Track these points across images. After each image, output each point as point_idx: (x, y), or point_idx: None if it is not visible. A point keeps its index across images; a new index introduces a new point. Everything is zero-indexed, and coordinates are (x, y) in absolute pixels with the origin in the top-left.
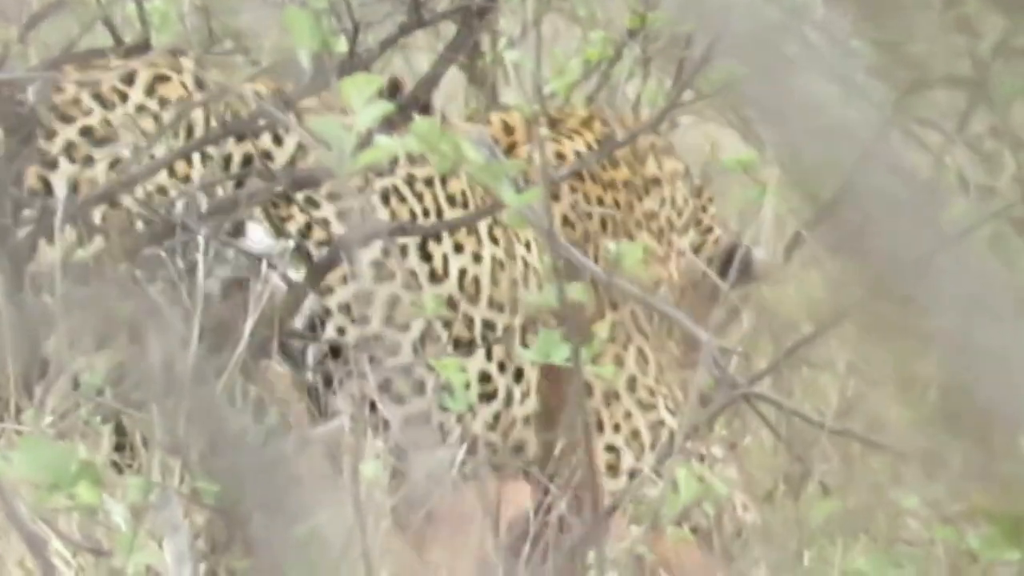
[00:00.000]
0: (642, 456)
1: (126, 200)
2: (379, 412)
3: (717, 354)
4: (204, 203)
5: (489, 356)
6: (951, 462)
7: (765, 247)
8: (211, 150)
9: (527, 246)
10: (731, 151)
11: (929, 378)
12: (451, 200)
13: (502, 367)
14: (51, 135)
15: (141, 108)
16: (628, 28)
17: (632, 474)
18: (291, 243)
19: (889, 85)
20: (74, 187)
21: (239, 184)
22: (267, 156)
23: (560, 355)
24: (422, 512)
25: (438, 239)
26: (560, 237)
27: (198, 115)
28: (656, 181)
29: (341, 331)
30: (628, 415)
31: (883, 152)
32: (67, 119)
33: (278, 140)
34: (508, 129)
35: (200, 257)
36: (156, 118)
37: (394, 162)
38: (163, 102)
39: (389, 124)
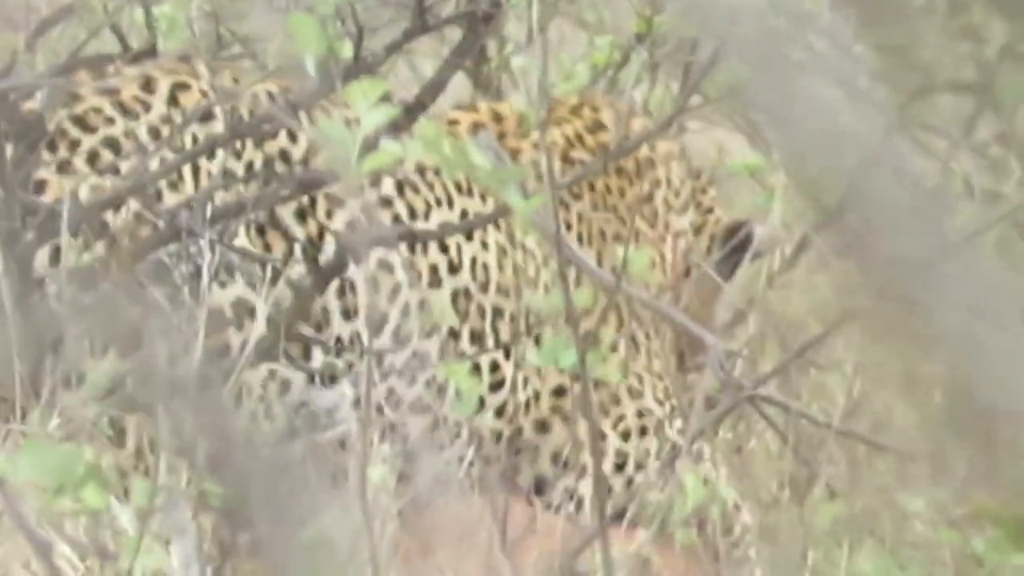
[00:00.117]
0: (628, 441)
1: (132, 205)
2: (386, 416)
3: (723, 356)
4: (210, 208)
5: (497, 344)
6: (957, 465)
7: (769, 226)
8: (230, 158)
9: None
10: (738, 156)
11: (935, 381)
12: (458, 187)
13: (508, 353)
14: (74, 145)
15: (165, 119)
16: (635, 33)
17: (618, 458)
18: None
19: (894, 90)
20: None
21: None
22: (284, 155)
23: (568, 360)
24: (429, 516)
25: None
26: (567, 240)
27: (217, 124)
28: (650, 163)
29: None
30: (617, 401)
31: (889, 157)
32: (89, 129)
33: (293, 138)
34: (497, 118)
35: (205, 263)
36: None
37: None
38: (184, 112)
39: (395, 127)
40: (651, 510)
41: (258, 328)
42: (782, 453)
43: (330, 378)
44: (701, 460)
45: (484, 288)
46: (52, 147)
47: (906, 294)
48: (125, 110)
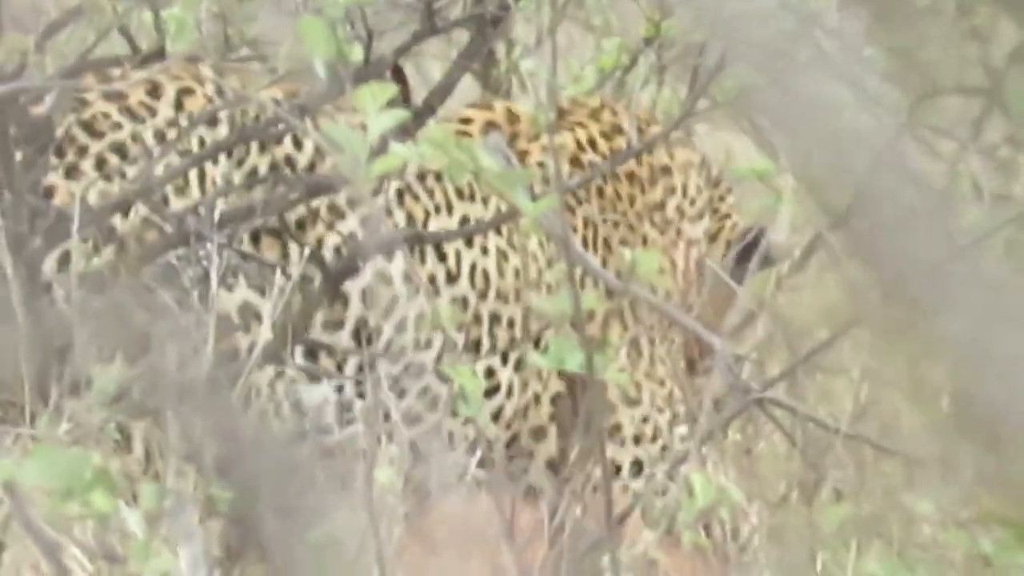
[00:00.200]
0: (624, 447)
1: (141, 209)
2: (393, 419)
3: (731, 360)
4: (218, 212)
5: (494, 349)
6: (964, 467)
7: (780, 232)
8: (234, 163)
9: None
10: (746, 159)
11: (942, 384)
12: (459, 193)
13: (504, 359)
14: (82, 150)
15: (171, 123)
16: (643, 36)
17: (612, 465)
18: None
19: (902, 92)
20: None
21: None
22: (289, 161)
23: (574, 362)
24: (435, 517)
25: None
26: (575, 243)
27: (223, 129)
28: (666, 170)
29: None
30: (613, 409)
31: (897, 159)
32: (97, 134)
33: (299, 145)
34: (512, 118)
35: (213, 266)
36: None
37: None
38: (190, 117)
39: (403, 130)
40: (658, 512)
41: (265, 332)
42: (790, 455)
43: (313, 378)
44: (707, 463)
45: (483, 295)
46: (60, 152)
47: (914, 296)
48: (132, 115)
